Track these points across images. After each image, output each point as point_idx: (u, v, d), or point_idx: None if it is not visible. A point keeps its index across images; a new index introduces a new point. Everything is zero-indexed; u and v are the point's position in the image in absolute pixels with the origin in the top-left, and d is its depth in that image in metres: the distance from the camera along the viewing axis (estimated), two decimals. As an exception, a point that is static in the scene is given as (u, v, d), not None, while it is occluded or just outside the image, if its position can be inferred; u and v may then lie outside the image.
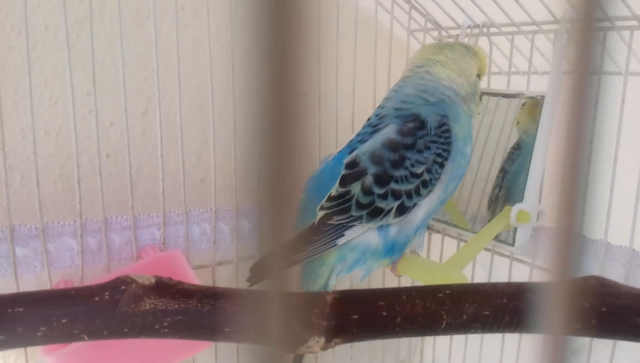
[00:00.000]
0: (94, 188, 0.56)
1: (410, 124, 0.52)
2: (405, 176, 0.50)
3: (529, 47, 0.63)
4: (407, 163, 0.50)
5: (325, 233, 0.50)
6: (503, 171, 0.64)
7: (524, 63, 0.65)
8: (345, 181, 0.50)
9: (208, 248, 0.62)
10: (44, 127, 0.56)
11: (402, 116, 0.53)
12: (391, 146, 0.51)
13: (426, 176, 0.51)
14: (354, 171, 0.50)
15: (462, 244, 0.68)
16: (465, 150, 0.54)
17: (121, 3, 0.55)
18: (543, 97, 0.59)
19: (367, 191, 0.50)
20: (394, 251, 0.53)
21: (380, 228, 0.51)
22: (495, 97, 0.66)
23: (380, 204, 0.50)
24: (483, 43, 0.69)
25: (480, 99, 0.60)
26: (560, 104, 0.14)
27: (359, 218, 0.50)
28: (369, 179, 0.50)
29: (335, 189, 0.51)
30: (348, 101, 0.70)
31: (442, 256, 0.72)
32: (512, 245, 0.60)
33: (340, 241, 0.50)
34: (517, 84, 0.67)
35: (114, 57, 0.58)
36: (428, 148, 0.51)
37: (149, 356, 0.52)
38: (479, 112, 0.60)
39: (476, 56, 0.57)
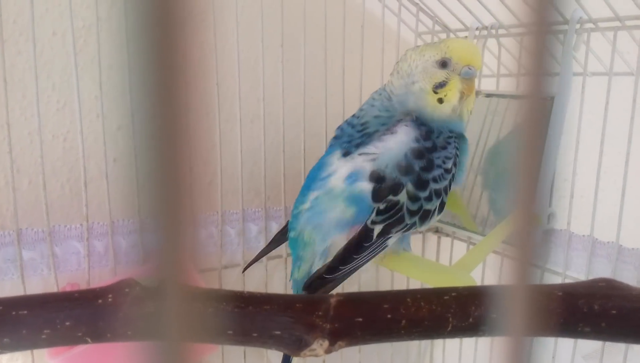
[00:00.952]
0: (101, 191, 0.56)
1: (423, 129, 0.53)
2: (441, 175, 0.53)
3: (538, 48, 0.62)
4: (439, 162, 0.52)
5: (377, 240, 0.52)
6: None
7: (533, 64, 0.65)
8: (379, 195, 0.51)
9: (215, 252, 0.62)
10: (51, 131, 0.56)
11: (390, 121, 0.55)
12: (416, 154, 0.52)
13: (454, 170, 0.54)
14: (385, 185, 0.51)
15: (471, 247, 0.67)
16: (462, 166, 0.57)
17: (127, 8, 0.56)
18: (553, 98, 0.58)
19: (413, 198, 0.52)
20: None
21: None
22: (505, 99, 0.66)
23: (427, 206, 0.52)
24: (492, 45, 0.68)
25: (442, 87, 0.54)
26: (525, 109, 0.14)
27: (413, 224, 0.53)
28: (410, 188, 0.51)
29: (379, 205, 0.51)
30: (355, 103, 0.69)
31: (451, 259, 0.71)
32: (516, 247, 0.60)
33: (390, 241, 0.53)
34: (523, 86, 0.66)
35: (120, 62, 0.58)
36: (449, 143, 0.54)
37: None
38: (445, 106, 0.55)
39: (427, 46, 0.55)
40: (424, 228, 0.54)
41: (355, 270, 0.52)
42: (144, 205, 0.12)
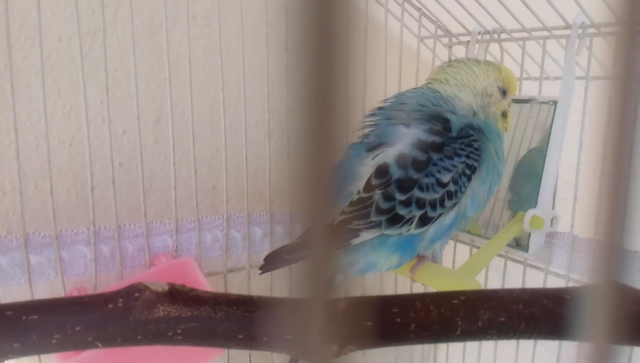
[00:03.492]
0: (107, 196, 0.56)
1: (439, 126, 0.50)
2: (431, 184, 0.48)
3: (541, 53, 0.63)
4: (434, 169, 0.48)
5: (341, 233, 0.49)
6: (515, 176, 0.64)
7: (536, 69, 0.65)
8: (370, 187, 0.49)
9: (220, 255, 0.62)
10: (57, 136, 0.56)
11: (426, 113, 0.51)
12: (420, 146, 0.49)
13: (452, 187, 0.49)
14: (381, 178, 0.49)
15: (474, 250, 0.68)
16: (499, 166, 0.53)
17: (133, 13, 0.56)
18: (555, 102, 0.59)
19: (388, 197, 0.48)
20: (404, 248, 0.51)
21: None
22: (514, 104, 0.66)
23: (401, 211, 0.48)
24: (494, 49, 0.69)
25: (505, 117, 0.56)
26: (599, 112, 0.14)
27: (378, 224, 0.48)
28: (391, 186, 0.48)
29: (356, 195, 0.49)
30: (359, 107, 0.70)
31: (454, 263, 0.71)
32: (526, 251, 0.60)
33: (355, 241, 0.49)
34: (529, 90, 0.66)
35: (126, 67, 0.59)
36: (458, 155, 0.49)
37: (162, 364, 0.52)
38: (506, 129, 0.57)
39: (489, 67, 0.55)
40: (390, 232, 0.49)
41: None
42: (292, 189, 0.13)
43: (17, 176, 0.50)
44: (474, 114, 0.54)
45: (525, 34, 0.63)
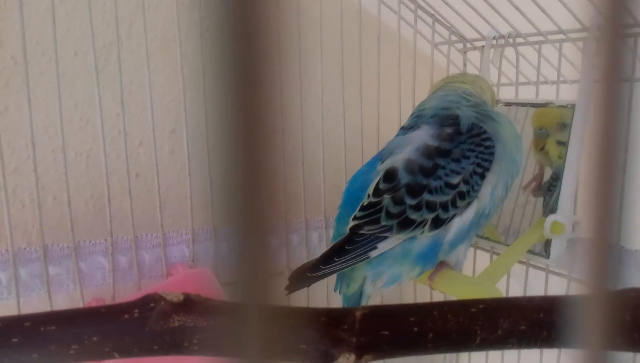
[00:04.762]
0: (124, 207, 0.56)
1: (448, 129, 0.50)
2: (440, 187, 0.48)
3: (557, 56, 0.62)
4: (442, 173, 0.48)
5: (358, 244, 0.49)
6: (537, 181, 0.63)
7: (552, 72, 0.64)
8: (379, 191, 0.49)
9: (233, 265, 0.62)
10: (74, 148, 0.57)
11: (439, 116, 0.51)
12: (425, 152, 0.49)
13: (463, 188, 0.48)
14: (390, 183, 0.49)
15: (494, 257, 0.67)
16: (516, 156, 0.52)
17: (147, 27, 0.57)
18: (574, 105, 0.58)
19: (397, 201, 0.48)
20: (425, 259, 0.51)
21: (410, 238, 0.50)
22: (524, 108, 0.65)
23: (412, 215, 0.48)
24: (509, 54, 0.68)
25: None
26: (592, 113, 0.13)
27: (389, 228, 0.48)
28: (401, 190, 0.48)
29: (367, 199, 0.50)
30: (373, 116, 0.70)
31: (474, 270, 0.70)
32: (547, 257, 0.59)
33: (373, 253, 0.49)
34: (546, 94, 0.65)
35: (141, 80, 0.59)
36: (466, 157, 0.49)
37: (179, 374, 0.52)
38: None
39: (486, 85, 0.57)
40: (401, 236, 0.49)
41: (336, 271, 0.50)
42: (224, 214, 0.12)
43: (36, 189, 0.51)
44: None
45: (540, 38, 0.62)
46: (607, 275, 0.14)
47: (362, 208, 0.49)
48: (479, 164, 0.49)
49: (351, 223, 0.50)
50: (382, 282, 0.53)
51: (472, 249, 0.71)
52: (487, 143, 0.50)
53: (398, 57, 0.69)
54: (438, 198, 0.48)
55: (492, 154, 0.50)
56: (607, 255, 0.14)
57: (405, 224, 0.48)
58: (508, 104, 0.66)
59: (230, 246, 0.12)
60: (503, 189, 0.52)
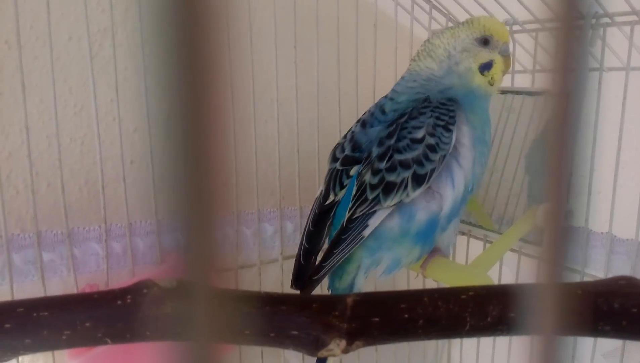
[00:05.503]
0: (119, 193, 0.56)
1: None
2: (407, 145, 0.50)
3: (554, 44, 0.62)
4: (405, 132, 0.51)
5: (351, 229, 0.50)
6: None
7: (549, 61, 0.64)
8: (349, 160, 0.53)
9: (230, 252, 0.62)
10: (69, 134, 0.57)
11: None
12: (390, 124, 0.52)
13: (431, 140, 0.50)
14: (357, 152, 0.53)
15: (488, 245, 0.67)
16: (485, 137, 0.54)
17: (142, 12, 0.56)
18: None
19: (375, 172, 0.50)
20: (425, 238, 0.52)
21: (404, 212, 0.51)
22: (520, 96, 0.65)
23: (390, 177, 0.50)
24: (506, 41, 0.68)
25: (488, 69, 0.54)
26: (544, 101, 0.14)
27: (376, 200, 0.50)
28: (374, 161, 0.51)
29: (355, 188, 0.52)
30: (369, 102, 0.69)
31: (467, 258, 0.71)
32: (539, 245, 0.59)
33: (366, 231, 0.50)
34: (543, 82, 0.65)
35: (136, 65, 0.59)
36: (423, 113, 0.51)
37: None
38: (494, 87, 0.56)
39: (470, 23, 0.55)
40: (389, 203, 0.50)
41: (335, 265, 0.51)
42: (167, 206, 0.12)
43: (30, 175, 0.51)
44: (440, 79, 0.55)
45: (537, 25, 0.62)
46: (562, 254, 0.15)
47: (353, 198, 0.51)
48: (438, 118, 0.51)
49: (346, 216, 0.51)
50: (381, 269, 0.53)
51: (465, 237, 0.71)
52: (444, 102, 0.52)
53: (395, 43, 0.69)
54: (409, 155, 0.50)
55: (451, 110, 0.51)
56: (562, 237, 0.14)
57: (388, 189, 0.50)
58: (504, 92, 0.66)
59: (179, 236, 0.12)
60: (480, 165, 0.53)
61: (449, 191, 0.51)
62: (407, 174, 0.50)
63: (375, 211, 0.50)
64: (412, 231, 0.51)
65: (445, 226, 0.52)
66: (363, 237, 0.50)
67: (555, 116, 0.13)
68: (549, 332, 0.13)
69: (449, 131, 0.50)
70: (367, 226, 0.50)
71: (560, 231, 0.13)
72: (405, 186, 0.50)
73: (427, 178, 0.50)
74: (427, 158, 0.50)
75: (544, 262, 0.14)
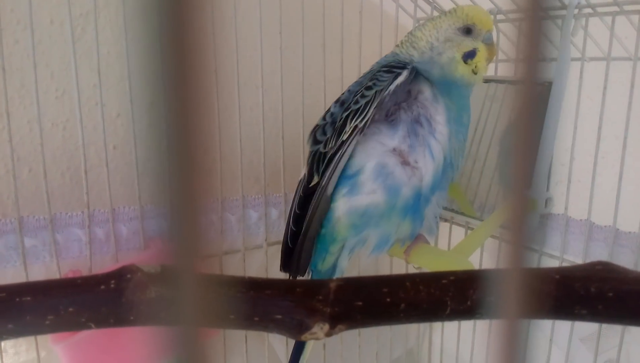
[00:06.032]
0: (101, 179, 0.56)
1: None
2: (356, 100, 0.53)
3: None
4: (358, 96, 0.53)
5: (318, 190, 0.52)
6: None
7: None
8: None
9: (215, 238, 0.63)
10: (51, 119, 0.56)
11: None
12: (352, 90, 0.55)
13: (370, 83, 0.52)
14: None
15: (469, 232, 0.68)
16: (462, 120, 0.55)
17: (125, -5, 0.56)
18: (550, 83, 0.59)
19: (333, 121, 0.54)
20: (413, 211, 0.53)
21: (388, 187, 0.51)
22: (503, 85, 0.66)
23: (336, 113, 0.54)
24: (490, 30, 0.68)
25: (472, 57, 0.55)
26: (514, 92, 0.14)
27: (328, 145, 0.52)
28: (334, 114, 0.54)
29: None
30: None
31: (449, 245, 0.72)
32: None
33: (329, 188, 0.52)
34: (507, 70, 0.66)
35: (119, 50, 0.58)
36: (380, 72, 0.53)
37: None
38: (478, 76, 0.56)
39: (452, 13, 0.55)
40: (332, 144, 0.52)
41: (309, 229, 0.53)
42: (151, 192, 0.12)
43: (11, 160, 0.50)
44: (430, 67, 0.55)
45: (520, 15, 0.63)
46: (525, 237, 0.15)
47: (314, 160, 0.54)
48: (388, 71, 0.52)
49: (314, 181, 0.52)
50: (369, 247, 0.53)
51: (447, 224, 0.72)
52: (403, 65, 0.53)
53: (380, 31, 0.69)
54: (359, 104, 0.52)
55: (406, 69, 0.52)
56: (524, 221, 0.15)
57: (338, 133, 0.52)
58: (487, 80, 0.66)
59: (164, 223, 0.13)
60: (457, 141, 0.54)
61: (428, 162, 0.52)
62: (353, 107, 0.52)
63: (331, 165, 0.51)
64: (398, 206, 0.52)
65: (429, 198, 0.53)
66: (327, 194, 0.52)
67: (520, 105, 0.13)
68: (512, 315, 0.14)
69: (391, 73, 0.52)
70: (323, 179, 0.52)
71: (523, 215, 0.14)
72: (357, 114, 0.51)
73: (371, 103, 0.51)
74: (363, 96, 0.52)
75: (508, 245, 0.14)
